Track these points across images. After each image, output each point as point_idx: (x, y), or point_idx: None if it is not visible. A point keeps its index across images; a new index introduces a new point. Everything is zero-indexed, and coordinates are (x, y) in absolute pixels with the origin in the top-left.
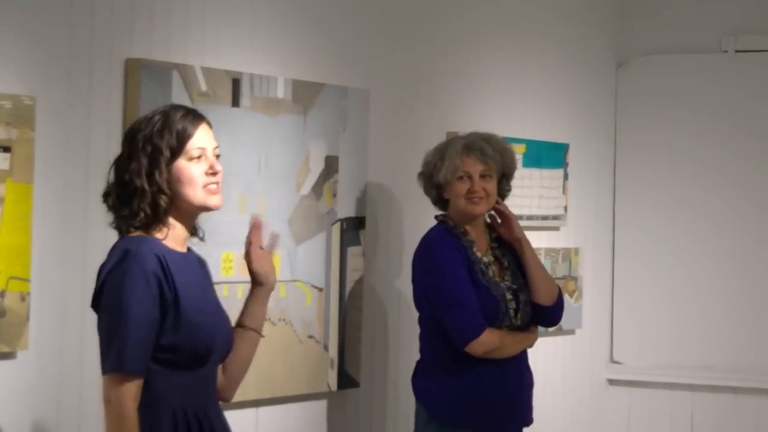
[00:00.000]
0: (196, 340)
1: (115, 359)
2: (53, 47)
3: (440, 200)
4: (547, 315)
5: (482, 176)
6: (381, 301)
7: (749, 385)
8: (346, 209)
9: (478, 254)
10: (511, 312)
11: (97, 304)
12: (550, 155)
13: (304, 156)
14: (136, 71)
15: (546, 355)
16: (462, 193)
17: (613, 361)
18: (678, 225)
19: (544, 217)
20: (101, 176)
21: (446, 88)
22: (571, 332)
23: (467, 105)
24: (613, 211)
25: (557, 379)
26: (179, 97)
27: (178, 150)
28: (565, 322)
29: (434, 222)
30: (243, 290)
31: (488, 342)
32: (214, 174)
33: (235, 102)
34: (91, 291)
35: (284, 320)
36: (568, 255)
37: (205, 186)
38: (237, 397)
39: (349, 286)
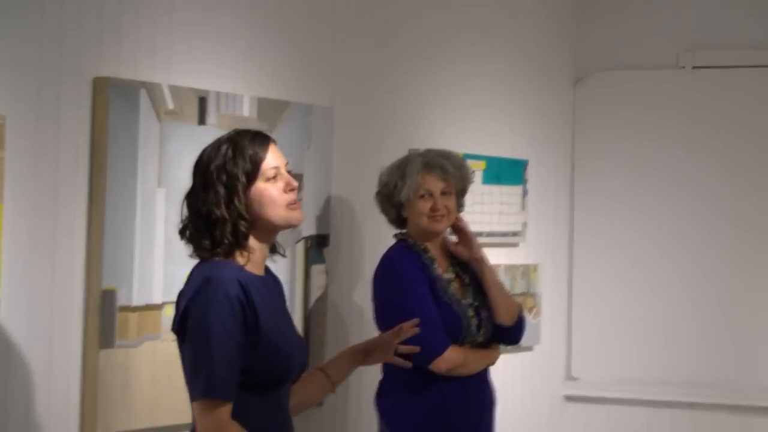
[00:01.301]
0: (275, 363)
1: (206, 385)
2: (22, 66)
3: (398, 219)
4: (508, 334)
5: (443, 193)
6: (344, 319)
7: (706, 400)
8: (311, 227)
9: (439, 271)
10: (474, 329)
11: (179, 330)
12: (509, 172)
13: None
14: (104, 90)
15: (504, 372)
16: (425, 212)
17: (570, 377)
18: (636, 241)
19: (504, 234)
20: (70, 194)
21: (408, 103)
22: (530, 348)
23: (427, 120)
24: (571, 228)
25: (515, 396)
26: (147, 115)
27: (253, 174)
28: (523, 338)
29: None
30: None
31: (452, 359)
32: (293, 190)
33: (202, 120)
34: (59, 310)
35: None
36: (527, 271)
37: (287, 204)
38: None
39: (312, 304)
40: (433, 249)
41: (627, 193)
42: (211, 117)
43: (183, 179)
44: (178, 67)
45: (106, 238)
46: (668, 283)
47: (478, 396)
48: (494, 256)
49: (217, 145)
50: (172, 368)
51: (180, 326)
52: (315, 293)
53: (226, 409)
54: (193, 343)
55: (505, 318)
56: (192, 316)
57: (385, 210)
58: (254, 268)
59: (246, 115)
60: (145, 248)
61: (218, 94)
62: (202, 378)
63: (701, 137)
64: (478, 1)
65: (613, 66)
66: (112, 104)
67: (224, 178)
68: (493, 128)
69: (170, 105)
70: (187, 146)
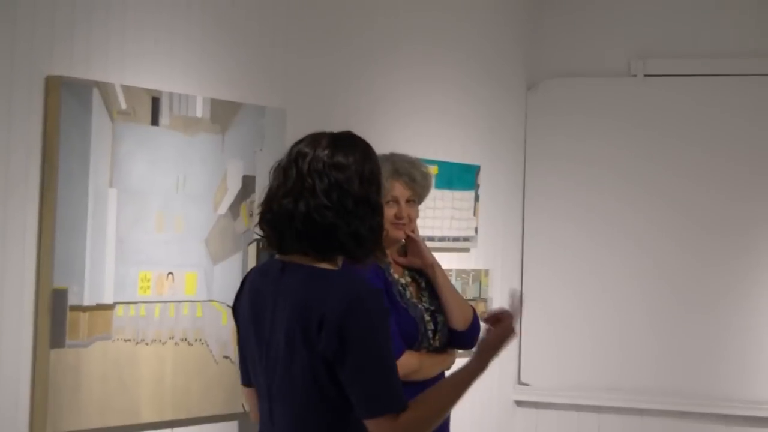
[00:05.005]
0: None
1: (391, 400)
2: None
3: None
4: (462, 339)
5: (407, 201)
6: None
7: (655, 406)
8: None
9: (395, 276)
10: (430, 333)
11: (336, 349)
12: (461, 177)
13: (221, 175)
14: (56, 89)
15: None
16: (389, 218)
17: (520, 382)
18: (587, 247)
19: (455, 239)
20: (21, 193)
21: (360, 107)
22: None
23: (379, 123)
24: (522, 233)
25: (466, 401)
26: (99, 115)
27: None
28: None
29: None
30: (160, 310)
31: (408, 364)
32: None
33: (155, 121)
34: (10, 309)
35: (200, 340)
36: (478, 276)
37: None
38: (153, 417)
39: None
40: (389, 254)
41: (579, 198)
42: (164, 118)
43: (135, 179)
44: (131, 67)
45: (58, 237)
46: (620, 288)
47: None
48: (446, 261)
49: (360, 146)
50: (122, 369)
51: (337, 345)
52: None
53: None
54: (367, 356)
55: (458, 322)
56: (360, 329)
57: None
58: None
59: (199, 116)
60: (96, 248)
61: (171, 94)
62: (387, 393)
63: (652, 143)
64: (432, 5)
65: (566, 73)
66: (65, 103)
67: (372, 176)
68: (446, 133)
69: (123, 105)
70: (140, 147)
